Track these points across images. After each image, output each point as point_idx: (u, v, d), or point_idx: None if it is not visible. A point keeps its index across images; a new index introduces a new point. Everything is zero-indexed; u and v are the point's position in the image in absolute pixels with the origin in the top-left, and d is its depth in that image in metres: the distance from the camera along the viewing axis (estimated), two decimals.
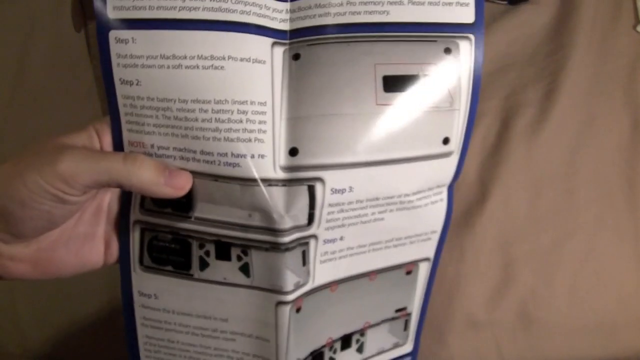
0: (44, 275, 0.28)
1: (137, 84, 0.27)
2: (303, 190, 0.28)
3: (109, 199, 0.30)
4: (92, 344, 0.45)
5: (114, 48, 0.26)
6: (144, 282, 0.30)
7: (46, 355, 0.45)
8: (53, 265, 0.28)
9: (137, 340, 0.32)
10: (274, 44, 0.28)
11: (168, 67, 0.26)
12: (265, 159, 0.28)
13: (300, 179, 0.28)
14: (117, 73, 0.27)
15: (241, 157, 0.27)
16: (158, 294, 0.30)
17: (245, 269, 0.29)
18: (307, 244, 0.29)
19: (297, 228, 0.28)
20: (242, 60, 0.27)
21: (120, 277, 0.30)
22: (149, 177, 0.26)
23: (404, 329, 0.36)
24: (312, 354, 0.32)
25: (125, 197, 0.29)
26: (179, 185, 0.27)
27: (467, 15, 0.29)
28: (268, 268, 0.29)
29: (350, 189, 0.29)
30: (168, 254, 0.30)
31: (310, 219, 0.28)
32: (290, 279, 0.29)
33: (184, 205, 0.29)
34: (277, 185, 0.28)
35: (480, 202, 0.42)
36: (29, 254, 0.27)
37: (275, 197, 0.28)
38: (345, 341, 0.33)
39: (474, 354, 0.41)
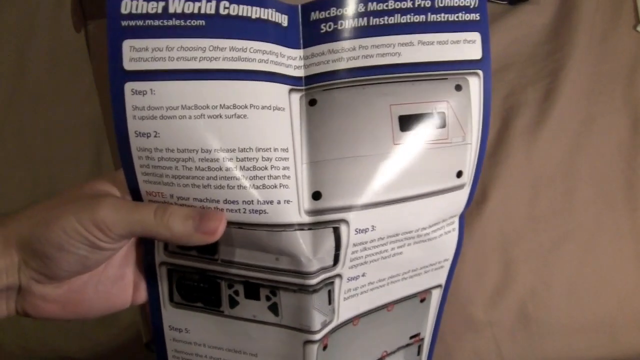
0: (72, 315, 0.29)
1: (155, 136, 0.26)
2: (329, 233, 0.28)
3: (137, 242, 0.30)
4: (92, 344, 0.45)
5: (130, 100, 0.26)
6: (174, 317, 0.31)
7: (46, 355, 0.45)
8: (82, 307, 0.28)
9: None
10: (290, 90, 0.29)
11: (190, 117, 0.26)
12: (290, 204, 0.28)
13: (325, 221, 0.28)
14: (133, 125, 0.26)
15: (267, 203, 0.27)
16: (189, 328, 0.31)
17: (274, 309, 0.29)
18: (332, 283, 0.29)
19: (324, 269, 0.29)
20: (263, 108, 0.27)
21: (150, 313, 0.31)
22: (178, 230, 0.26)
23: (417, 353, 0.36)
24: None
25: (148, 240, 0.29)
26: (210, 230, 0.26)
27: (474, 52, 0.29)
28: (296, 308, 0.29)
29: (373, 227, 0.29)
30: (197, 292, 0.30)
31: (336, 259, 0.29)
32: (317, 319, 0.29)
33: (207, 248, 0.29)
34: (303, 229, 0.28)
35: (480, 202, 0.42)
36: (60, 294, 0.27)
37: (302, 241, 0.28)
38: None
39: (473, 354, 0.41)
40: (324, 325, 0.30)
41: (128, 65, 0.26)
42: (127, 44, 0.25)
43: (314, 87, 0.29)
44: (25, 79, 0.51)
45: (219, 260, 0.29)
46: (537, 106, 0.44)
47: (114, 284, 0.29)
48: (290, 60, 0.29)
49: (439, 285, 0.35)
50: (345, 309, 0.31)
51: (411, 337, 0.35)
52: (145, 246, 0.30)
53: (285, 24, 0.29)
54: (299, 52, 0.29)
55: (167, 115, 0.26)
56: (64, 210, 0.25)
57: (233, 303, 0.30)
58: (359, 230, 0.29)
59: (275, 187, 0.27)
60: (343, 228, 0.28)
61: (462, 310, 0.41)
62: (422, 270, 0.33)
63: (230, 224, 0.27)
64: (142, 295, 0.30)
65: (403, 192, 0.29)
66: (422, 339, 0.36)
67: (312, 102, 0.29)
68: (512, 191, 0.43)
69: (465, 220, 0.42)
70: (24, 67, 0.52)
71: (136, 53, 0.25)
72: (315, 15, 0.29)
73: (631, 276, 0.41)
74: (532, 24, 0.46)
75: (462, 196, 0.32)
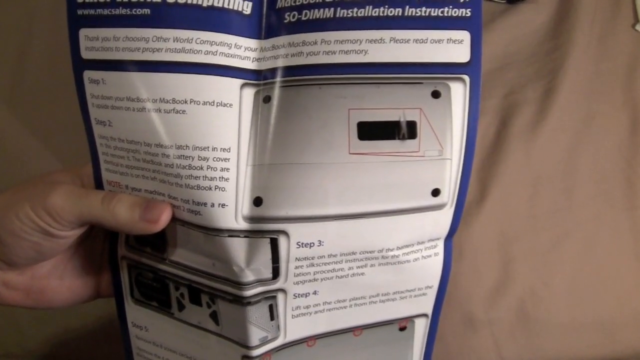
0: (36, 304, 0.29)
1: (109, 125, 0.26)
2: (265, 244, 0.26)
3: (104, 236, 0.30)
4: (91, 344, 0.45)
5: (88, 88, 0.26)
6: (136, 313, 0.30)
7: (45, 355, 0.45)
8: (45, 296, 0.29)
9: None
10: (243, 85, 0.26)
11: (134, 109, 0.25)
12: (226, 208, 0.26)
13: (263, 230, 0.26)
14: (92, 113, 0.26)
15: (202, 205, 0.26)
16: (148, 327, 0.30)
17: (214, 317, 0.28)
18: (274, 297, 0.28)
19: (261, 282, 0.27)
20: (204, 104, 0.25)
21: (116, 307, 0.31)
22: (123, 215, 0.26)
23: None
24: None
25: (114, 232, 0.29)
26: (153, 219, 0.25)
27: (461, 53, 0.26)
28: (234, 320, 0.28)
29: (320, 242, 0.27)
30: (151, 291, 0.30)
31: (276, 272, 0.27)
32: (254, 334, 0.27)
33: (158, 246, 0.28)
34: (238, 236, 0.26)
35: (479, 201, 0.42)
36: (23, 282, 0.28)
37: (236, 249, 0.26)
38: None
39: (472, 353, 0.41)
40: (264, 341, 0.28)
41: (84, 54, 0.26)
42: (83, 33, 0.25)
43: (270, 82, 0.26)
44: (24, 79, 0.51)
45: (167, 260, 0.28)
46: (536, 105, 0.44)
47: (79, 276, 0.29)
48: (248, 51, 0.26)
49: (424, 315, 0.32)
50: (296, 328, 0.29)
51: None
52: (110, 239, 0.29)
53: (248, 11, 0.26)
54: (259, 43, 0.27)
55: (115, 106, 0.26)
56: (19, 197, 0.25)
57: (180, 306, 0.29)
58: (302, 244, 0.27)
59: (210, 189, 0.26)
60: (282, 240, 0.26)
61: (461, 309, 0.41)
62: (396, 295, 0.30)
63: (176, 220, 0.27)
64: (108, 289, 0.30)
65: (359, 208, 0.27)
66: None
67: (266, 99, 0.26)
68: (511, 190, 0.43)
69: (464, 219, 0.42)
70: (23, 67, 0.52)
71: (90, 42, 0.25)
72: (281, 3, 0.26)
73: (630, 275, 0.41)
74: (531, 23, 0.46)
75: (442, 218, 0.28)
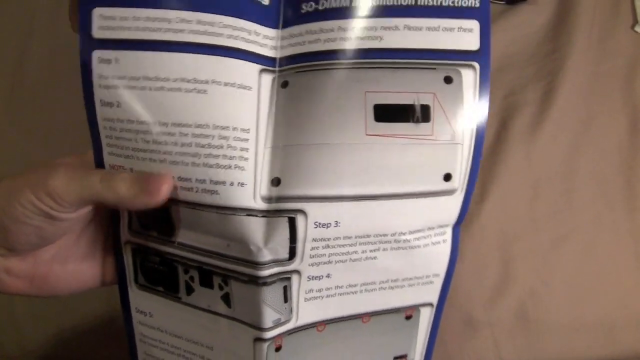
0: (40, 292, 0.28)
1: (117, 106, 0.26)
2: (283, 223, 0.27)
3: (107, 221, 0.30)
4: (91, 344, 0.45)
5: (97, 69, 0.26)
6: (140, 299, 0.30)
7: (45, 355, 0.45)
8: (49, 283, 0.28)
9: (137, 356, 0.32)
10: (262, 70, 0.27)
11: (150, 89, 0.25)
12: (245, 187, 0.26)
13: (281, 210, 0.27)
14: (98, 94, 0.26)
15: (220, 184, 0.26)
16: (153, 313, 0.30)
17: (226, 299, 0.28)
18: (289, 279, 0.28)
19: (278, 262, 0.27)
20: (226, 85, 0.26)
21: (119, 293, 0.30)
22: (124, 190, 0.25)
23: None
24: None
25: (116, 216, 0.29)
26: (155, 189, 0.25)
27: (471, 41, 0.27)
28: (247, 301, 0.28)
29: (337, 223, 0.27)
30: (158, 275, 0.29)
31: (292, 253, 0.27)
32: (268, 316, 0.27)
33: (166, 229, 0.28)
34: (256, 215, 0.27)
35: (479, 202, 0.42)
36: (26, 269, 0.27)
37: (254, 228, 0.26)
38: None
39: (472, 354, 0.41)
40: (277, 323, 0.28)
41: (97, 34, 0.25)
42: (97, 12, 0.25)
43: (287, 68, 0.27)
44: (24, 79, 0.51)
45: (175, 243, 0.28)
46: (536, 106, 0.44)
47: (82, 262, 0.29)
48: (266, 39, 0.27)
49: (430, 304, 0.32)
50: (307, 311, 0.29)
51: (396, 358, 0.33)
52: (113, 223, 0.29)
53: (266, 2, 0.27)
54: (277, 32, 0.27)
55: (129, 85, 0.26)
56: (20, 183, 0.25)
57: (189, 290, 0.29)
58: (319, 224, 0.27)
59: (230, 167, 0.26)
60: (300, 219, 0.27)
61: (461, 309, 0.41)
62: (404, 282, 0.30)
63: (184, 203, 0.27)
64: (112, 276, 0.30)
65: (374, 189, 0.27)
66: None
67: (284, 85, 0.27)
68: (511, 191, 0.43)
69: (465, 220, 0.42)
70: (23, 67, 0.52)
71: (104, 21, 0.25)
72: None
73: (630, 276, 0.41)
74: (531, 24, 0.46)
75: (452, 203, 0.29)
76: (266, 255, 0.26)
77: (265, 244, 0.26)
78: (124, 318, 0.31)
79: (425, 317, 0.32)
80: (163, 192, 0.25)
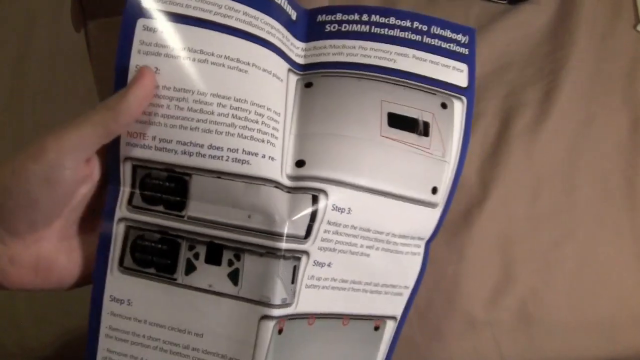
0: (46, 284, 0.28)
1: (155, 72, 0.27)
2: (307, 199, 0.28)
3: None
4: None
5: (139, 35, 0.27)
6: (119, 285, 0.29)
7: (46, 355, 0.45)
8: (54, 274, 0.28)
9: (97, 355, 0.30)
10: (289, 70, 0.30)
11: (194, 60, 0.27)
12: (274, 162, 0.28)
13: (306, 187, 0.28)
14: (136, 60, 0.27)
15: (253, 154, 0.27)
16: (132, 300, 0.29)
17: (234, 276, 0.28)
18: (299, 259, 0.29)
19: (295, 238, 0.28)
20: (264, 70, 0.29)
21: (93, 281, 0.29)
22: (118, 102, 0.25)
23: None
24: None
25: (112, 193, 0.29)
26: (143, 72, 0.26)
27: (461, 79, 0.32)
28: (259, 276, 0.28)
29: (349, 210, 0.29)
30: (153, 254, 0.29)
31: (308, 232, 0.28)
32: (279, 292, 0.28)
33: (176, 203, 0.28)
34: (282, 189, 0.28)
35: (480, 202, 0.42)
36: (29, 258, 0.27)
37: (279, 200, 0.28)
38: None
39: (473, 354, 0.41)
40: (284, 303, 0.28)
41: (146, 3, 0.27)
42: None
43: (311, 73, 0.31)
44: (25, 79, 0.51)
45: (185, 217, 0.28)
46: (537, 106, 0.44)
47: (87, 253, 0.29)
48: (293, 47, 0.31)
49: (394, 317, 0.33)
50: (305, 299, 0.29)
51: None
52: (107, 201, 0.29)
53: (294, 17, 0.31)
54: (302, 44, 0.32)
55: (171, 54, 0.27)
56: (16, 155, 0.26)
57: (190, 268, 0.28)
58: (336, 207, 0.29)
59: (263, 141, 0.28)
60: (322, 198, 0.28)
61: (462, 309, 0.41)
62: (382, 288, 0.32)
63: (208, 172, 0.27)
64: None
65: (382, 185, 0.30)
66: None
67: (308, 85, 0.31)
68: (512, 191, 0.43)
69: (465, 220, 0.42)
70: (24, 67, 0.52)
71: None
72: (321, 18, 0.32)
73: (631, 276, 0.41)
74: (532, 23, 0.46)
75: (432, 217, 0.32)
76: (288, 228, 0.28)
77: (289, 216, 0.28)
78: (90, 310, 0.29)
79: (389, 330, 0.34)
80: (146, 73, 0.26)
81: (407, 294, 0.33)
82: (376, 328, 0.33)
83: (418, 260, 0.33)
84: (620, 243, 0.42)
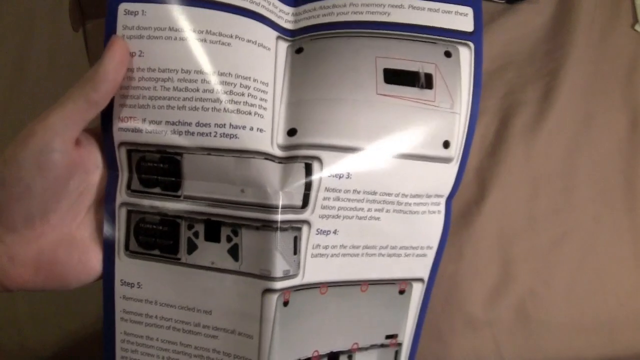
0: (47, 283, 0.28)
1: (139, 55, 0.27)
2: (300, 168, 0.28)
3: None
4: (91, 343, 0.45)
5: (121, 20, 0.27)
6: (128, 269, 0.29)
7: (46, 355, 0.45)
8: (56, 271, 0.28)
9: (115, 338, 0.30)
10: (278, 37, 0.29)
11: (175, 38, 0.27)
12: (263, 133, 0.28)
13: (298, 156, 0.28)
14: None
15: (240, 128, 0.27)
16: (142, 282, 0.29)
17: (234, 252, 0.28)
18: (299, 229, 0.28)
19: (291, 209, 0.28)
20: (248, 41, 0.28)
21: (103, 268, 0.29)
22: (95, 71, 0.26)
23: None
24: None
25: (112, 179, 0.29)
26: (112, 39, 0.26)
27: (466, 24, 0.30)
28: (258, 250, 0.28)
29: (348, 175, 0.28)
30: (155, 236, 0.29)
31: (305, 201, 0.28)
32: (279, 264, 0.28)
33: (172, 184, 0.28)
34: (273, 160, 0.28)
35: (479, 201, 0.42)
36: (30, 256, 0.27)
37: (271, 172, 0.27)
38: None
39: (472, 353, 0.41)
40: (286, 275, 0.28)
41: None
42: None
43: (302, 37, 0.30)
44: (24, 79, 0.51)
45: (181, 197, 0.28)
46: (536, 105, 0.44)
47: (89, 249, 0.29)
48: (282, 13, 0.30)
49: (421, 280, 0.33)
50: (313, 269, 0.29)
51: (387, 337, 0.33)
52: (108, 187, 0.29)
53: None
54: (292, 9, 0.30)
55: (154, 36, 0.27)
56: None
57: (191, 247, 0.29)
58: (333, 173, 0.28)
59: (250, 113, 0.27)
60: (316, 166, 0.28)
61: (461, 309, 0.41)
62: (402, 250, 0.31)
63: (198, 149, 0.27)
64: None
65: (383, 146, 0.29)
66: (400, 345, 0.33)
67: (298, 51, 0.30)
68: (511, 190, 0.43)
69: (464, 219, 0.42)
70: (23, 68, 0.51)
71: None
72: None
73: (630, 275, 0.41)
74: (531, 23, 0.46)
75: (448, 173, 0.31)
76: (282, 199, 0.27)
77: (282, 187, 0.27)
78: (104, 296, 0.30)
79: (417, 293, 0.33)
80: (114, 46, 0.26)
81: (431, 254, 0.32)
82: (401, 292, 0.32)
83: (439, 219, 0.32)
84: (619, 243, 0.42)
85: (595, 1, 0.45)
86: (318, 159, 0.28)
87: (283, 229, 0.28)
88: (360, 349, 0.32)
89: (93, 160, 0.29)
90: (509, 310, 0.41)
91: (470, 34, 0.30)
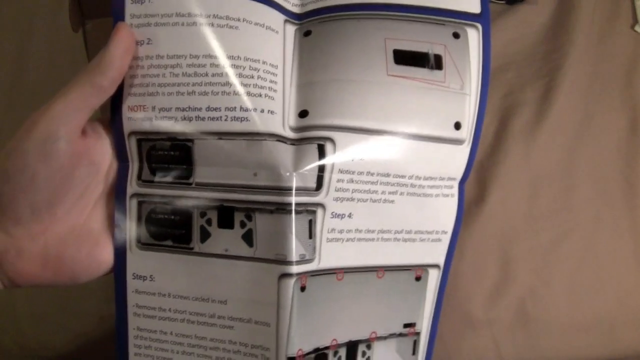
0: (57, 277, 0.27)
1: (147, 43, 0.27)
2: (312, 149, 0.27)
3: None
4: (92, 343, 0.45)
5: (129, 9, 0.27)
6: (140, 262, 0.29)
7: (45, 354, 0.45)
8: (64, 265, 0.27)
9: (128, 334, 0.30)
10: (286, 21, 0.29)
11: (183, 24, 0.27)
12: (274, 115, 0.27)
13: (310, 137, 0.28)
14: None
15: (250, 110, 0.27)
16: (154, 275, 0.29)
17: (248, 237, 0.28)
18: (314, 212, 0.28)
19: (305, 191, 0.27)
20: (256, 24, 0.28)
21: (114, 262, 0.29)
22: (99, 58, 0.26)
23: (412, 352, 0.33)
24: (316, 351, 0.29)
25: (122, 170, 0.29)
26: (118, 25, 0.26)
27: (473, 5, 0.30)
28: (273, 234, 0.27)
29: (362, 156, 0.28)
30: (167, 227, 0.29)
31: (320, 182, 0.28)
32: (295, 248, 0.27)
33: (183, 171, 0.28)
34: (285, 142, 0.27)
35: (479, 201, 0.42)
36: (37, 250, 0.27)
37: (284, 154, 0.27)
38: (351, 350, 0.31)
39: (472, 353, 0.41)
40: (302, 259, 0.28)
41: None
42: None
43: (309, 20, 0.30)
44: (23, 80, 0.51)
45: (193, 184, 0.28)
46: (535, 105, 0.44)
47: (97, 241, 0.28)
48: None
49: (437, 266, 0.33)
50: (328, 254, 0.29)
51: (405, 326, 0.33)
52: (118, 180, 0.29)
53: None
54: None
55: (161, 22, 0.27)
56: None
57: (204, 235, 0.28)
58: (346, 155, 0.28)
59: (260, 95, 0.27)
60: (329, 146, 0.28)
61: (460, 308, 0.41)
62: (416, 235, 0.31)
63: (209, 134, 0.27)
64: None
65: (395, 126, 0.29)
66: (418, 334, 0.33)
67: (306, 33, 0.29)
68: (511, 190, 0.43)
69: (464, 219, 0.42)
70: (22, 68, 0.51)
71: None
72: None
73: (630, 275, 0.41)
74: (530, 23, 0.46)
75: (460, 155, 0.31)
76: (296, 181, 0.27)
77: (295, 168, 0.27)
78: (116, 291, 0.29)
79: (433, 280, 0.32)
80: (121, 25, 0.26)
81: (446, 239, 0.32)
82: (417, 278, 0.32)
83: (453, 203, 0.32)
84: (619, 242, 0.42)
85: (595, 2, 0.45)
86: (330, 139, 0.28)
87: (298, 212, 0.27)
88: (379, 338, 0.32)
89: (100, 152, 0.28)
90: (508, 309, 0.41)
91: (477, 15, 0.30)
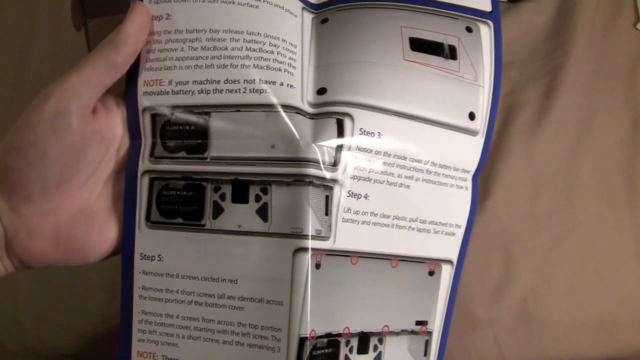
0: (68, 257, 0.27)
1: (166, 18, 0.27)
2: (332, 123, 0.28)
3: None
4: (93, 342, 0.45)
5: None
6: (148, 241, 0.28)
7: (45, 354, 0.45)
8: (76, 245, 0.27)
9: (132, 318, 0.29)
10: (303, 8, 0.30)
11: (203, 1, 0.27)
12: (294, 89, 0.28)
13: (329, 112, 0.28)
14: (149, 10, 0.28)
15: (270, 83, 0.27)
16: (163, 255, 0.28)
17: (263, 211, 0.27)
18: (331, 189, 0.28)
19: (324, 165, 0.27)
20: (276, 5, 0.28)
21: (122, 242, 0.28)
22: (117, 34, 0.26)
23: (424, 353, 0.32)
24: (328, 336, 0.28)
25: (134, 148, 0.28)
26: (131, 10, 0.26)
27: (484, 3, 0.31)
28: (289, 208, 0.27)
29: (379, 134, 0.28)
30: (179, 203, 0.28)
31: (337, 157, 0.28)
32: (311, 221, 0.27)
33: (198, 146, 0.28)
34: (304, 115, 0.28)
35: (481, 201, 0.42)
36: (48, 228, 0.26)
37: (303, 125, 0.27)
38: (363, 342, 0.30)
39: (474, 352, 0.41)
40: (319, 235, 0.27)
41: None
42: None
43: (326, 9, 0.30)
44: (25, 79, 0.51)
45: (208, 159, 0.28)
46: (537, 104, 0.44)
47: (108, 218, 0.28)
48: None
49: (450, 262, 0.32)
50: (344, 235, 0.28)
51: (417, 323, 0.32)
52: (129, 157, 0.29)
53: None
54: None
55: None
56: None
57: (217, 211, 0.28)
58: (364, 131, 0.28)
59: (280, 70, 0.28)
60: (347, 122, 0.28)
61: (462, 308, 0.41)
62: (431, 226, 0.31)
63: (227, 107, 0.27)
64: None
65: (411, 108, 0.29)
66: (430, 333, 0.33)
67: (324, 21, 0.30)
68: (512, 189, 0.42)
69: None
70: (24, 67, 0.52)
71: None
72: None
73: (632, 274, 0.41)
74: (533, 22, 0.46)
75: (475, 146, 0.31)
76: (314, 152, 0.27)
77: (314, 140, 0.27)
78: (122, 272, 0.29)
79: (446, 276, 0.32)
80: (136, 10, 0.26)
81: (460, 234, 0.32)
82: (431, 273, 0.32)
83: (467, 196, 0.32)
84: (620, 242, 0.42)
85: (597, 0, 0.45)
86: (349, 115, 0.28)
87: (315, 185, 0.27)
88: (391, 333, 0.31)
89: (112, 128, 0.28)
90: (510, 309, 0.41)
91: (489, 13, 0.31)
